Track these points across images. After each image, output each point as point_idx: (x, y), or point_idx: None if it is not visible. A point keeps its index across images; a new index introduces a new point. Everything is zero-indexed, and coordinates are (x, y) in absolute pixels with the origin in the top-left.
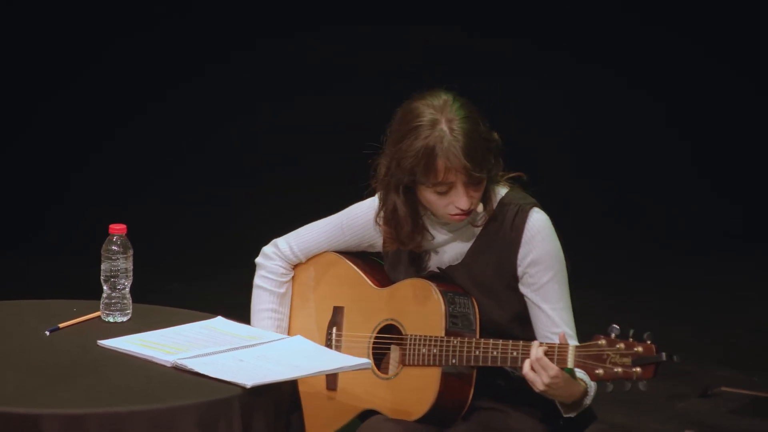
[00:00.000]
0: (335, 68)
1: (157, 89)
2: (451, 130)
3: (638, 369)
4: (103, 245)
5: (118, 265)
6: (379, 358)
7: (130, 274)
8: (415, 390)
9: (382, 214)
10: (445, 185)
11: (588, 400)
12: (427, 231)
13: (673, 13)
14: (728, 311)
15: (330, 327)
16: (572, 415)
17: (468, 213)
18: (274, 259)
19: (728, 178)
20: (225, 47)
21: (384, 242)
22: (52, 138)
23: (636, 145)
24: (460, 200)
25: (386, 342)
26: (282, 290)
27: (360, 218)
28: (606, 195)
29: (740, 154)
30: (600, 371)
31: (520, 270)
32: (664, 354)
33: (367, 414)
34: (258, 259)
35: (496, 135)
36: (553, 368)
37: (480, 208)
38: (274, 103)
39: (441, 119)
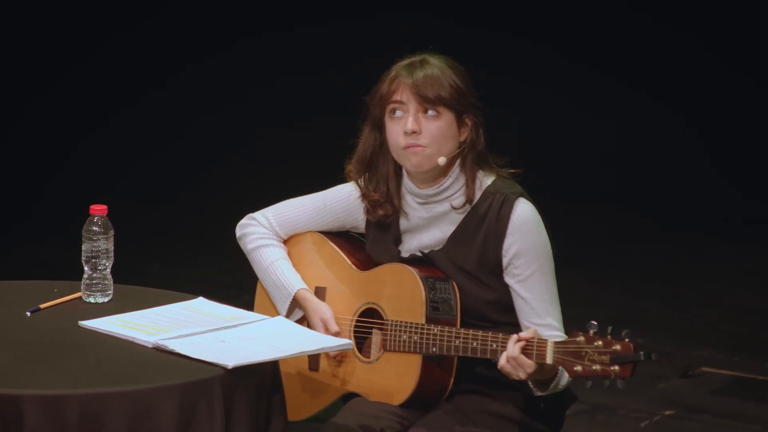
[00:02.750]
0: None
1: (143, 84)
2: (421, 60)
3: (616, 367)
4: (84, 226)
5: (99, 245)
6: (361, 341)
7: (111, 254)
8: (396, 375)
9: (357, 154)
10: (397, 103)
11: (563, 382)
12: (403, 199)
13: (678, 11)
14: (710, 291)
15: None
16: (543, 394)
17: (419, 146)
18: (255, 225)
19: (729, 164)
20: (207, 45)
21: (366, 223)
22: (41, 125)
23: (637, 131)
24: (408, 122)
25: (368, 326)
26: (283, 245)
27: (344, 201)
28: (605, 177)
29: (745, 142)
30: (578, 368)
31: (504, 261)
32: (642, 353)
33: (350, 397)
34: (239, 232)
35: (475, 94)
36: (530, 365)
37: (442, 160)
38: (248, 96)
39: (415, 58)
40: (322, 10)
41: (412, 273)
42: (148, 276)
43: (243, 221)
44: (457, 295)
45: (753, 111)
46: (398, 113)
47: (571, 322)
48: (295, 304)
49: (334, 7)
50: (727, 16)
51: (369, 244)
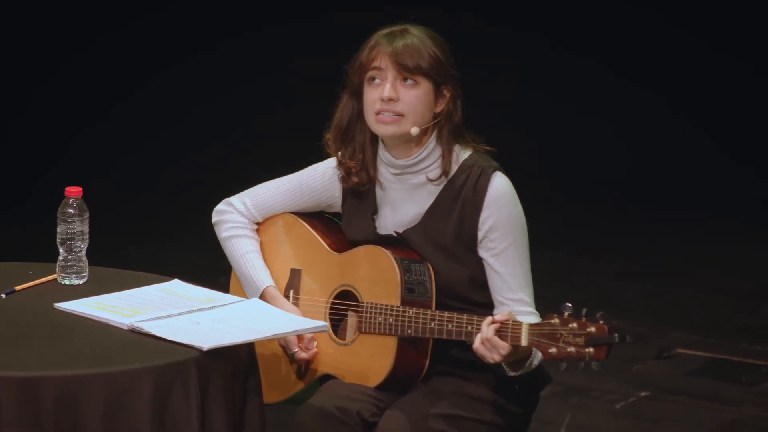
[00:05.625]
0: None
1: (133, 79)
2: (401, 30)
3: (591, 349)
4: (59, 208)
5: (74, 227)
6: (336, 323)
7: (87, 236)
8: (372, 358)
9: (335, 122)
10: (375, 70)
11: (536, 362)
12: (378, 170)
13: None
14: (685, 272)
15: (287, 289)
16: (516, 373)
17: (394, 114)
18: (232, 213)
19: (713, 150)
20: (192, 42)
21: (342, 198)
22: (33, 118)
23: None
24: (385, 89)
25: (343, 308)
26: (256, 236)
27: (319, 179)
28: (592, 162)
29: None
30: (553, 350)
31: (480, 234)
32: (616, 335)
33: (326, 379)
34: (215, 218)
35: (454, 66)
36: (505, 346)
37: (414, 130)
38: (231, 89)
39: (396, 27)
40: (319, 4)
41: (387, 255)
42: (124, 258)
43: (219, 206)
44: (433, 277)
45: (748, 102)
46: (376, 80)
47: (549, 302)
48: (263, 300)
49: (337, 2)
50: (730, 11)
51: (345, 219)
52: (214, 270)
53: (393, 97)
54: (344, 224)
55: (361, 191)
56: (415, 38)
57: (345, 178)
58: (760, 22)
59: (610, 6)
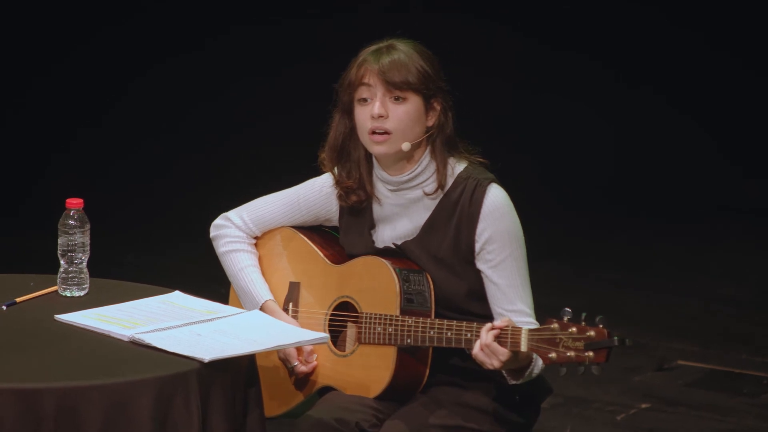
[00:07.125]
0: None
1: (117, 83)
2: (388, 46)
3: (591, 353)
4: (60, 219)
5: (75, 239)
6: (336, 335)
7: (88, 248)
8: (371, 368)
9: (329, 141)
10: (364, 87)
11: (537, 370)
12: (375, 186)
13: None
14: (686, 282)
15: (287, 302)
16: (518, 382)
17: (385, 131)
18: (229, 227)
19: (711, 158)
20: (199, 35)
21: (339, 214)
22: (23, 123)
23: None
24: (374, 107)
25: (342, 319)
26: (254, 250)
27: (316, 193)
28: (589, 168)
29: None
30: (553, 355)
31: (477, 246)
32: (616, 339)
33: (326, 391)
34: (213, 233)
35: (444, 78)
36: (504, 352)
37: (406, 146)
38: (226, 91)
39: (383, 44)
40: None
41: (386, 265)
42: (125, 269)
43: (217, 221)
44: (431, 287)
45: (750, 107)
46: (366, 98)
47: (548, 311)
48: None
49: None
50: (730, 11)
51: (342, 234)
52: (215, 281)
53: (383, 114)
54: (342, 239)
55: (358, 207)
56: (402, 53)
57: (344, 197)
58: (761, 23)
59: (610, 6)
